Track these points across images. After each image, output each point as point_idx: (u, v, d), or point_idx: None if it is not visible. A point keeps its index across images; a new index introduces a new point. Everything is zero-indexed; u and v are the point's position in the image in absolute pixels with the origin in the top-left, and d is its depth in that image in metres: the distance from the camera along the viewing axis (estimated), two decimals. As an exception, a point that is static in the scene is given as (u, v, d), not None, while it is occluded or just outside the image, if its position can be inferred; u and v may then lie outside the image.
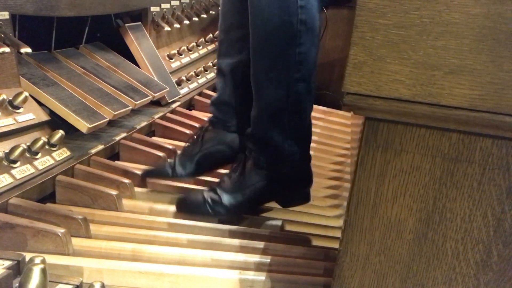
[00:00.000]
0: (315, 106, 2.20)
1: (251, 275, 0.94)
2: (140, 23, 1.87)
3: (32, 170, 1.13)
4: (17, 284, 0.79)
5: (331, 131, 1.98)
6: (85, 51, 1.67)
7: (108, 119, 1.39)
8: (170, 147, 1.49)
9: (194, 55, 2.17)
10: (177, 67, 2.03)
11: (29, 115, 1.20)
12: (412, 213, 0.60)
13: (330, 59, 2.79)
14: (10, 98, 1.17)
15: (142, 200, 1.24)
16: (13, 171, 1.09)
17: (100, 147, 1.37)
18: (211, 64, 2.19)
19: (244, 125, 1.23)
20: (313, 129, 1.93)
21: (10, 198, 1.04)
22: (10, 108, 1.17)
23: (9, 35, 1.17)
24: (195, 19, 2.21)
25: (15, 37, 1.23)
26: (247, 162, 1.17)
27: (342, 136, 1.94)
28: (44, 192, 1.15)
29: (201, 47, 2.23)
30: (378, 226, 0.62)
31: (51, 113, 1.31)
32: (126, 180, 1.24)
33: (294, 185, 1.19)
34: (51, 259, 0.91)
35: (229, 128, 1.30)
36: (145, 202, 1.22)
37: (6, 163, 1.08)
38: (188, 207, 1.18)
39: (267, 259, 1.00)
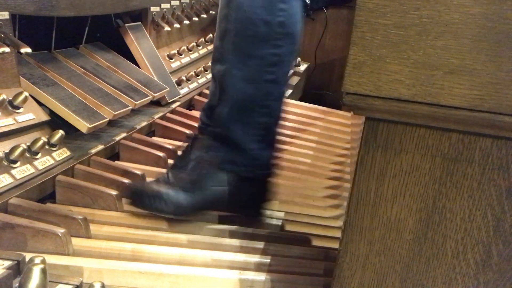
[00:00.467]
0: (315, 106, 2.21)
1: (251, 275, 0.94)
2: (140, 23, 1.87)
3: (32, 170, 1.13)
4: (17, 284, 0.79)
5: (331, 131, 1.98)
6: (85, 51, 1.67)
7: (108, 119, 1.39)
8: (170, 147, 1.49)
9: (194, 55, 2.17)
10: (177, 67, 2.03)
11: (29, 115, 1.20)
12: (412, 213, 0.60)
13: (330, 59, 2.79)
14: (10, 98, 1.17)
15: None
16: (13, 171, 1.09)
17: (100, 147, 1.37)
18: (211, 64, 2.19)
19: None
20: (313, 129, 1.95)
21: (10, 198, 1.04)
22: (10, 108, 1.17)
23: (9, 35, 1.17)
24: (195, 19, 2.21)
25: (15, 37, 1.23)
26: (205, 162, 1.12)
27: (342, 136, 1.94)
28: (44, 192, 1.15)
29: (201, 47, 2.23)
30: (378, 226, 0.62)
31: (51, 113, 1.31)
32: (126, 180, 1.24)
33: (252, 195, 1.15)
34: (51, 259, 0.91)
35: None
36: (145, 202, 1.22)
37: (6, 163, 1.08)
38: (138, 198, 1.13)
39: (267, 259, 1.00)
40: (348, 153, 1.77)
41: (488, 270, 0.60)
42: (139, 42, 1.80)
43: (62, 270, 0.92)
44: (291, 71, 1.13)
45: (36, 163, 1.15)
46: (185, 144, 1.29)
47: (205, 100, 1.94)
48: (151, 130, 1.66)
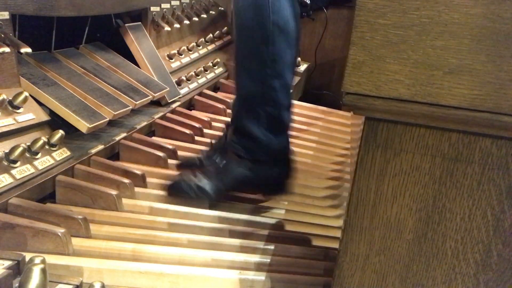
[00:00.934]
0: (315, 106, 2.21)
1: (251, 275, 0.94)
2: (140, 23, 1.87)
3: (32, 170, 1.13)
4: (17, 284, 0.79)
5: (331, 131, 1.98)
6: (85, 51, 1.67)
7: (108, 119, 1.39)
8: (170, 147, 1.49)
9: (194, 55, 2.17)
10: (177, 67, 2.03)
11: (29, 115, 1.20)
12: (411, 213, 0.60)
13: (330, 59, 2.79)
14: (10, 98, 1.17)
15: (142, 200, 1.24)
16: (13, 171, 1.09)
17: (100, 147, 1.37)
18: (211, 64, 2.19)
19: None
20: (313, 129, 1.95)
21: (10, 198, 1.04)
22: (10, 108, 1.17)
23: (9, 35, 1.17)
24: (195, 19, 2.21)
25: (15, 37, 1.23)
26: (229, 152, 1.26)
27: (342, 136, 1.94)
28: (44, 192, 1.15)
29: (201, 47, 2.23)
30: (378, 226, 0.62)
31: (51, 113, 1.31)
32: (126, 180, 1.24)
33: (274, 176, 1.27)
34: (51, 259, 0.91)
35: None
36: (145, 202, 1.22)
37: (6, 163, 1.08)
38: (175, 191, 1.25)
39: (267, 259, 1.00)
40: (348, 153, 1.77)
41: (488, 270, 0.60)
42: (139, 42, 1.80)
43: (62, 270, 0.92)
44: (297, 59, 1.28)
45: (36, 163, 1.15)
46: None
47: (205, 100, 1.96)
48: (151, 130, 1.66)
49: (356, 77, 0.55)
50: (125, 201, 1.20)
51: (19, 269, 0.85)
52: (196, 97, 1.98)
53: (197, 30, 2.32)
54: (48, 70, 1.42)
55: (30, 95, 1.23)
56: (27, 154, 1.14)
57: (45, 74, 1.39)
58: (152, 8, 1.91)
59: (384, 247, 0.62)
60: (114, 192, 1.17)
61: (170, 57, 2.01)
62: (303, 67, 2.64)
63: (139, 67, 1.79)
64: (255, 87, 1.21)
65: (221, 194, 1.25)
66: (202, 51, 2.23)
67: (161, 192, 1.29)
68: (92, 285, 0.80)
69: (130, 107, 1.52)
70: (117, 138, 1.45)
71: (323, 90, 2.78)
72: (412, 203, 0.60)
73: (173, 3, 2.05)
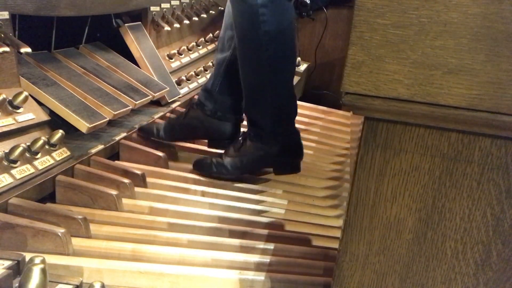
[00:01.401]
0: (315, 106, 2.21)
1: (251, 275, 0.94)
2: (140, 23, 1.87)
3: (32, 170, 1.13)
4: (17, 284, 0.79)
5: (331, 131, 1.98)
6: (85, 51, 1.68)
7: (108, 119, 1.39)
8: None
9: (194, 55, 2.17)
10: (177, 67, 2.03)
11: (29, 115, 1.20)
12: (411, 213, 0.60)
13: (330, 59, 2.79)
14: (10, 98, 1.17)
15: (142, 200, 1.24)
16: (13, 171, 1.09)
17: (100, 147, 1.38)
18: (211, 64, 2.19)
19: (219, 111, 1.49)
20: (313, 129, 1.95)
21: (10, 198, 1.04)
22: (10, 108, 1.17)
23: (9, 35, 1.17)
24: (195, 19, 2.21)
25: (15, 37, 1.24)
26: (246, 136, 1.43)
27: (342, 136, 1.94)
28: (44, 192, 1.15)
29: (201, 47, 2.23)
30: (378, 226, 0.62)
31: (51, 113, 1.31)
32: (126, 180, 1.24)
33: (284, 156, 1.42)
34: (51, 259, 0.91)
35: (206, 111, 1.51)
36: (145, 202, 1.22)
37: (6, 163, 1.08)
38: (199, 166, 1.44)
39: (266, 259, 1.00)
40: (348, 153, 1.77)
41: (487, 270, 0.60)
42: (139, 42, 1.80)
43: (62, 270, 0.92)
44: (296, 53, 1.41)
45: (36, 163, 1.15)
46: None
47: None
48: (151, 130, 1.66)
49: (356, 77, 0.54)
50: (125, 201, 1.20)
51: (19, 269, 0.85)
52: (196, 97, 1.98)
53: (197, 30, 2.32)
54: (48, 70, 1.42)
55: (30, 95, 1.23)
56: (27, 154, 1.14)
57: (45, 74, 1.39)
58: (152, 8, 1.91)
59: (384, 247, 0.62)
60: (114, 192, 1.17)
61: (170, 57, 2.01)
62: (303, 67, 2.64)
63: (139, 67, 1.79)
64: (256, 83, 1.36)
65: (239, 171, 1.42)
66: (202, 51, 2.23)
67: (161, 192, 1.29)
68: (92, 285, 0.80)
69: (130, 107, 1.52)
70: (117, 138, 1.45)
71: (323, 90, 2.78)
72: (412, 203, 0.60)
73: (173, 3, 2.05)
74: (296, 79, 2.51)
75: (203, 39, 2.24)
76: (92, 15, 1.54)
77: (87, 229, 1.04)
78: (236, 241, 1.07)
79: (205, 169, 1.42)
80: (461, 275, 0.61)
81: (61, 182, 1.17)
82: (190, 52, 2.15)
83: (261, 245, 1.07)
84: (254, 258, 1.01)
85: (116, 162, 1.38)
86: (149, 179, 1.33)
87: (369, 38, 0.53)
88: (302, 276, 0.97)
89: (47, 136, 1.21)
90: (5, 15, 1.18)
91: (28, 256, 0.85)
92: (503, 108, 0.52)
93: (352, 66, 0.54)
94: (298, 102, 2.23)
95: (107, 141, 1.42)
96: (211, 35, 2.31)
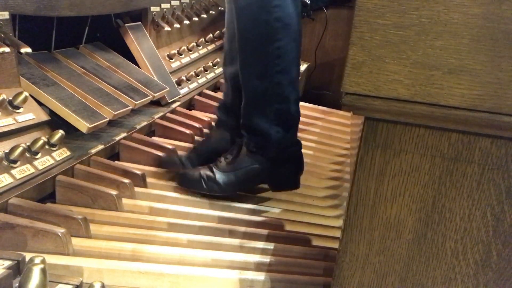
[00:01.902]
0: (315, 106, 2.21)
1: (251, 275, 0.94)
2: (140, 23, 1.87)
3: (32, 170, 1.13)
4: (17, 284, 0.79)
5: (331, 131, 1.98)
6: (85, 51, 1.67)
7: (108, 119, 1.39)
8: (170, 147, 1.49)
9: (194, 55, 2.17)
10: (177, 67, 2.03)
11: (29, 115, 1.20)
12: (411, 213, 0.60)
13: (330, 59, 2.79)
14: (10, 98, 1.17)
15: (142, 200, 1.24)
16: (13, 171, 1.09)
17: (100, 147, 1.38)
18: (211, 64, 2.19)
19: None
20: (313, 129, 1.95)
21: (10, 198, 1.04)
22: (10, 108, 1.17)
23: (9, 35, 1.17)
24: (195, 19, 2.21)
25: (15, 37, 1.23)
26: (241, 148, 1.29)
27: (342, 136, 1.94)
28: (44, 192, 1.15)
29: (201, 47, 2.23)
30: (378, 226, 0.62)
31: (51, 113, 1.31)
32: (126, 180, 1.24)
33: (283, 170, 1.30)
34: (51, 259, 0.91)
35: (230, 128, 1.42)
36: (145, 202, 1.22)
37: (6, 163, 1.08)
38: (186, 182, 1.29)
39: (266, 259, 1.00)
40: (348, 153, 1.77)
41: (487, 270, 0.60)
42: (139, 42, 1.80)
43: (62, 270, 0.92)
44: (301, 53, 1.29)
45: (36, 163, 1.15)
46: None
47: (205, 100, 1.95)
48: (151, 130, 1.66)
49: (356, 77, 0.55)
50: (125, 201, 1.20)
51: (19, 269, 0.85)
52: (196, 97, 1.98)
53: (197, 30, 2.32)
54: (48, 70, 1.42)
55: (30, 95, 1.23)
56: (27, 154, 1.14)
57: (45, 74, 1.39)
58: (152, 8, 1.91)
59: (384, 247, 0.62)
60: (114, 192, 1.17)
61: (170, 57, 2.01)
62: (303, 67, 2.64)
63: (139, 67, 1.79)
64: (261, 84, 1.22)
65: (233, 187, 1.28)
66: (202, 51, 2.23)
67: (161, 192, 1.29)
68: (92, 285, 0.80)
69: (130, 107, 1.52)
70: (117, 138, 1.45)
71: (323, 90, 2.78)
72: (412, 203, 0.60)
73: (173, 3, 2.05)
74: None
75: (203, 39, 2.24)
76: (92, 15, 1.54)
77: (87, 229, 1.04)
78: (236, 241, 1.07)
79: (194, 185, 1.27)
80: (461, 275, 0.61)
81: (61, 182, 1.17)
82: (190, 52, 2.15)
83: (261, 245, 1.07)
84: (254, 258, 1.01)
85: (116, 162, 1.38)
86: (149, 179, 1.33)
87: (370, 39, 0.53)
88: (302, 276, 0.97)
89: (47, 136, 1.21)
90: (5, 15, 1.18)
91: (28, 256, 0.85)
92: (503, 109, 0.52)
93: (352, 66, 0.54)
94: (298, 102, 2.24)
95: (107, 141, 1.42)
96: (211, 35, 2.31)
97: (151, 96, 1.64)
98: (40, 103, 1.28)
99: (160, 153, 1.44)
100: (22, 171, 1.11)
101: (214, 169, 1.28)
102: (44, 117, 1.25)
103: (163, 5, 1.98)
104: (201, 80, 2.10)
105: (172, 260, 0.99)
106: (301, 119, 1.99)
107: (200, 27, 2.34)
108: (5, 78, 1.21)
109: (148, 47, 1.85)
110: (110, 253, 0.99)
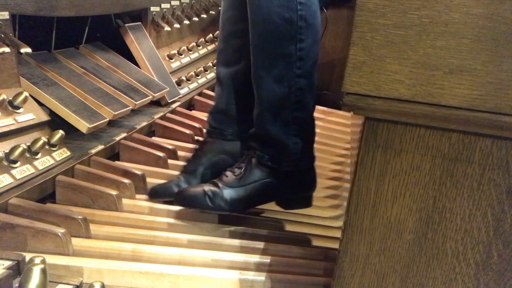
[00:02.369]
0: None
1: (251, 275, 0.94)
2: (140, 23, 1.87)
3: (32, 170, 1.13)
4: (17, 284, 0.79)
5: (331, 131, 1.98)
6: (85, 51, 1.67)
7: (108, 119, 1.39)
8: (170, 147, 1.49)
9: (194, 55, 2.17)
10: (177, 67, 2.03)
11: (29, 115, 1.20)
12: (412, 213, 0.60)
13: (330, 59, 2.79)
14: (10, 98, 1.17)
15: (142, 200, 1.24)
16: (13, 171, 1.09)
17: (100, 147, 1.37)
18: (211, 64, 2.19)
19: (243, 132, 1.24)
20: (313, 129, 1.94)
21: (10, 198, 1.04)
22: (10, 108, 1.17)
23: (9, 35, 1.17)
24: (195, 19, 2.21)
25: (15, 37, 1.23)
26: (251, 160, 1.15)
27: (342, 136, 1.94)
28: (44, 192, 1.15)
29: (201, 47, 2.23)
30: (378, 226, 0.62)
31: (51, 113, 1.31)
32: (126, 180, 1.24)
33: (297, 187, 1.17)
34: (51, 259, 0.91)
35: (227, 136, 1.28)
36: (145, 202, 1.22)
37: (6, 163, 1.08)
38: (186, 199, 1.13)
39: (267, 259, 1.00)
40: (348, 153, 1.77)
41: (488, 270, 0.60)
42: (139, 42, 1.80)
43: (62, 270, 0.92)
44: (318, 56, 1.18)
45: (36, 163, 1.15)
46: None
47: (205, 100, 1.94)
48: (151, 130, 1.66)
49: (356, 77, 0.54)
50: (125, 201, 1.20)
51: (19, 269, 0.85)
52: (196, 97, 1.98)
53: (197, 30, 2.32)
54: (48, 70, 1.42)
55: (30, 95, 1.23)
56: (27, 154, 1.14)
57: (45, 74, 1.39)
58: (152, 8, 1.91)
59: (384, 247, 0.62)
60: (114, 192, 1.17)
61: (170, 57, 2.01)
62: (303, 67, 2.64)
63: (139, 67, 1.79)
64: (281, 89, 1.09)
65: (242, 205, 1.14)
66: (202, 51, 2.23)
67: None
68: (92, 285, 0.80)
69: (130, 107, 1.52)
70: (117, 138, 1.45)
71: (323, 90, 2.78)
72: (412, 203, 0.60)
73: (173, 3, 2.05)
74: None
75: (203, 39, 2.24)
76: (92, 15, 1.54)
77: (87, 229, 1.04)
78: (236, 241, 1.07)
79: (197, 203, 1.11)
80: (461, 276, 0.61)
81: (61, 182, 1.17)
82: (190, 52, 2.14)
83: (261, 245, 1.06)
84: (254, 258, 1.01)
85: (116, 162, 1.38)
86: (149, 179, 1.33)
87: (370, 38, 0.53)
88: (302, 276, 0.97)
89: (47, 136, 1.21)
90: (5, 15, 1.18)
91: (28, 256, 0.85)
92: (504, 109, 0.52)
93: (353, 66, 0.54)
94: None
95: (107, 141, 1.42)
96: (211, 35, 2.31)
97: (151, 96, 1.64)
98: (40, 103, 1.28)
99: (160, 153, 1.43)
100: (22, 171, 1.11)
101: (220, 184, 1.13)
102: (44, 117, 1.25)
103: (163, 5, 1.98)
104: (201, 80, 2.10)
105: (172, 260, 0.99)
106: (301, 119, 2.01)
107: (200, 27, 2.34)
108: (5, 78, 1.21)
109: (148, 47, 1.85)
110: (110, 253, 0.99)
